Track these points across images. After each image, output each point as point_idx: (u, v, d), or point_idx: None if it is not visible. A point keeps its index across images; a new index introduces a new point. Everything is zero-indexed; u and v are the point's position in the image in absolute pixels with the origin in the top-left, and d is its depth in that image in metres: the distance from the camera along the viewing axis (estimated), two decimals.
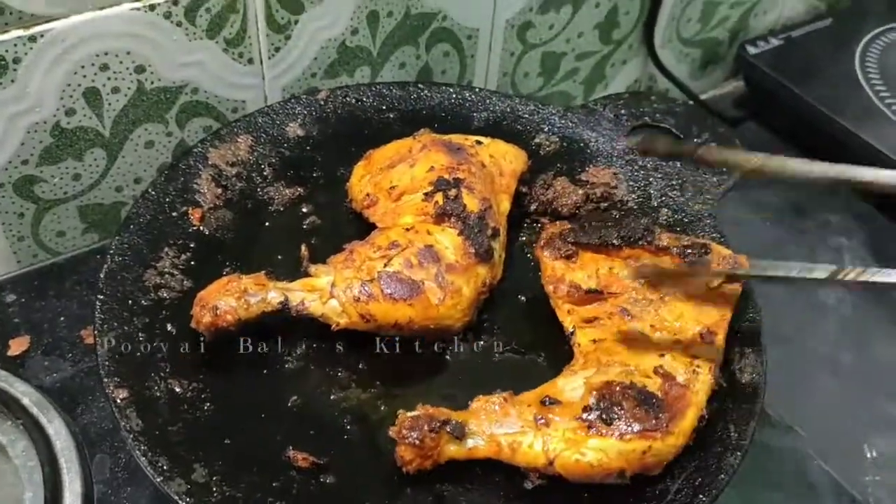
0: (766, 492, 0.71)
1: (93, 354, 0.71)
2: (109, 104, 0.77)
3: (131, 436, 0.55)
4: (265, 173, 0.76)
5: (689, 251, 0.64)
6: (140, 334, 0.62)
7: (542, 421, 0.56)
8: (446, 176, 0.67)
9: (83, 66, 0.74)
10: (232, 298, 0.60)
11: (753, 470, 0.71)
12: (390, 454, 0.57)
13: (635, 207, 0.76)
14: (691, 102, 1.06)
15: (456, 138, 0.73)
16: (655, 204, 0.76)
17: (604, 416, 0.56)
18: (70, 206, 0.82)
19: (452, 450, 0.56)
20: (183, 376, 0.60)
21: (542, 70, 1.06)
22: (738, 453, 0.59)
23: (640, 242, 0.65)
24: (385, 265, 0.62)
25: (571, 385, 0.59)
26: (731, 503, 0.68)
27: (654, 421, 0.55)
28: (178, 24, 0.76)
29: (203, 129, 0.84)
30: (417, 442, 0.55)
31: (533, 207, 0.75)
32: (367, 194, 0.70)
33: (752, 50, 1.16)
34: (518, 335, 0.67)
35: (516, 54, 1.02)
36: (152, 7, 0.74)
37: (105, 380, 0.58)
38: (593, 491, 0.57)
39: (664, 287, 0.63)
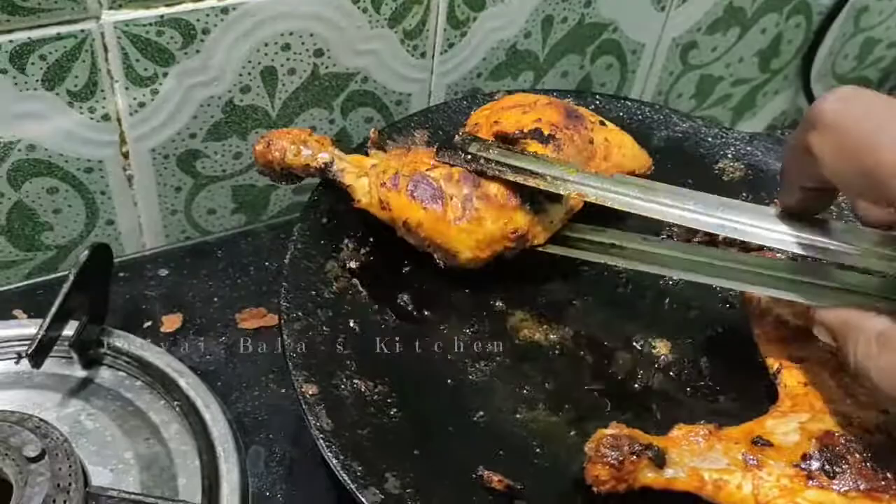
0: None
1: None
2: (283, 85, 0.75)
3: (322, 436, 0.52)
4: None
5: None
6: (324, 328, 0.59)
7: (754, 462, 0.52)
8: (546, 130, 0.64)
9: (266, 44, 0.71)
10: (288, 142, 0.64)
11: None
12: (585, 487, 0.53)
13: None
14: None
15: (582, 110, 0.71)
16: None
17: (826, 467, 0.51)
18: (225, 185, 0.80)
19: (650, 477, 0.52)
20: (368, 377, 0.57)
21: (696, 92, 1.02)
22: None
23: None
24: (427, 170, 0.62)
25: (783, 429, 0.55)
26: None
27: (882, 482, 0.51)
28: (364, 10, 0.74)
29: (364, 118, 0.82)
30: (616, 462, 0.51)
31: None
32: (476, 123, 0.69)
33: None
34: (708, 370, 0.63)
35: (675, 73, 0.98)
36: None
37: (294, 373, 0.54)
38: None
39: None
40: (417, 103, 0.83)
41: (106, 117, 0.69)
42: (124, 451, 0.62)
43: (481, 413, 0.58)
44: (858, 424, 0.54)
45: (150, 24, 0.66)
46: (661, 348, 0.64)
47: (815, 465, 0.52)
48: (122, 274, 0.74)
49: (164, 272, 0.76)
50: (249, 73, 0.73)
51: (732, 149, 0.77)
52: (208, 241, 0.80)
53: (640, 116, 0.79)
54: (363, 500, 0.49)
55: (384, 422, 0.55)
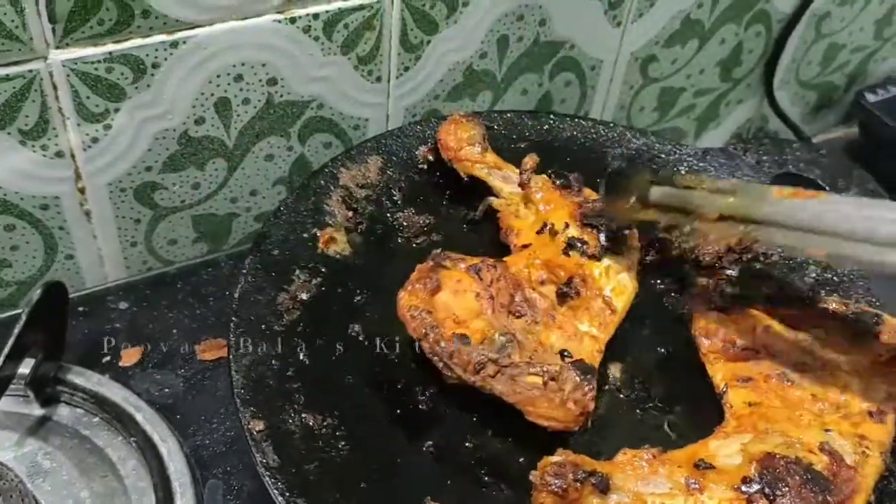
0: None
1: (207, 371, 0.70)
2: (238, 115, 0.75)
3: (269, 473, 0.52)
4: (395, 198, 0.73)
5: (858, 320, 0.60)
6: (273, 361, 0.59)
7: (696, 486, 0.53)
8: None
9: (219, 76, 0.72)
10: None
11: None
12: None
13: (779, 261, 0.72)
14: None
15: None
16: (801, 259, 0.72)
17: (766, 490, 0.52)
18: (185, 215, 0.80)
19: (594, 503, 0.53)
20: (317, 410, 0.57)
21: (658, 105, 1.02)
22: None
23: (805, 303, 0.61)
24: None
25: (726, 451, 0.55)
26: None
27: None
28: (316, 39, 0.74)
29: (323, 144, 0.82)
30: (560, 490, 0.52)
31: (673, 254, 0.71)
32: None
33: (870, 98, 1.12)
34: (658, 389, 0.63)
35: (636, 87, 0.99)
36: (293, 20, 0.72)
37: (241, 409, 0.55)
38: None
39: (828, 354, 0.59)
40: (375, 127, 0.83)
41: (59, 154, 0.70)
42: (80, 490, 0.62)
43: (430, 443, 0.58)
44: (801, 445, 0.54)
45: (99, 62, 0.66)
46: (613, 370, 0.64)
47: (754, 487, 0.52)
48: (81, 308, 0.75)
49: (123, 305, 0.76)
50: (203, 105, 0.73)
51: (686, 164, 0.78)
52: (169, 271, 0.80)
53: (593, 135, 0.80)
54: None
55: (332, 455, 0.55)
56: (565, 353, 0.59)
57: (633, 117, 1.01)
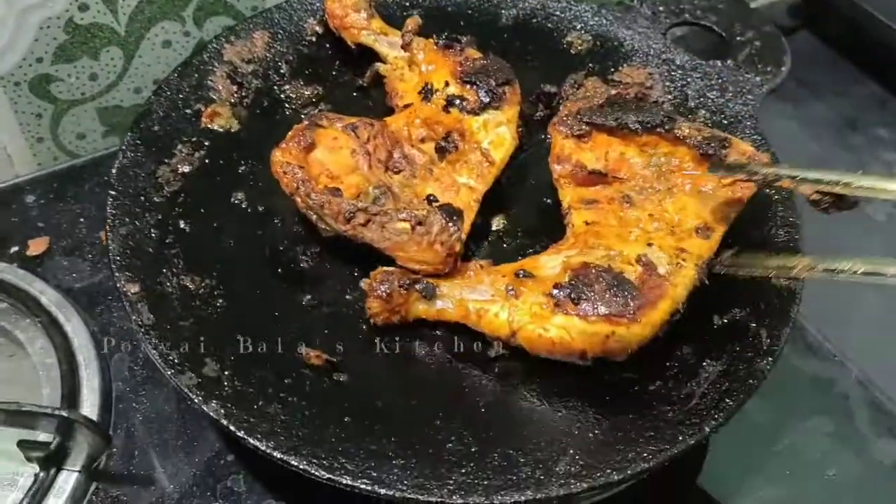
0: (806, 417, 0.68)
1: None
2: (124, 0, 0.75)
3: (142, 329, 0.54)
4: (282, 71, 0.73)
5: (708, 143, 0.60)
6: (153, 231, 0.60)
7: (513, 292, 0.55)
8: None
9: None
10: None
11: (791, 394, 0.69)
12: (405, 354, 0.55)
13: (671, 108, 0.72)
14: None
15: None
16: (693, 105, 0.72)
17: (573, 295, 0.53)
18: (88, 108, 0.80)
19: (421, 309, 0.57)
20: (196, 273, 0.59)
21: None
22: (770, 358, 0.56)
23: (658, 129, 0.61)
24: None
25: (552, 262, 0.57)
26: (765, 431, 0.66)
27: (621, 307, 0.52)
28: None
29: (222, 28, 0.81)
30: (385, 295, 0.55)
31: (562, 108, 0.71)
32: None
33: None
34: (541, 237, 0.64)
35: None
36: None
37: (116, 274, 0.56)
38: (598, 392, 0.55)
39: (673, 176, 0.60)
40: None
41: None
42: None
43: (310, 297, 0.59)
44: (621, 257, 0.55)
45: None
46: (496, 221, 0.65)
47: (563, 293, 0.54)
48: None
49: (30, 198, 0.77)
50: None
51: (580, 21, 0.77)
52: (76, 164, 0.81)
53: None
54: (179, 384, 0.52)
55: (209, 313, 0.57)
56: (432, 198, 0.60)
57: None
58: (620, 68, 0.74)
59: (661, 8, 0.78)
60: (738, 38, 0.76)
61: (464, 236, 0.59)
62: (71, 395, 0.63)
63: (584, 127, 0.62)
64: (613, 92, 0.71)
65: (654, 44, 0.76)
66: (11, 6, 0.70)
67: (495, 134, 0.65)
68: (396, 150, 0.62)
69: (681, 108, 0.72)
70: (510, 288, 0.55)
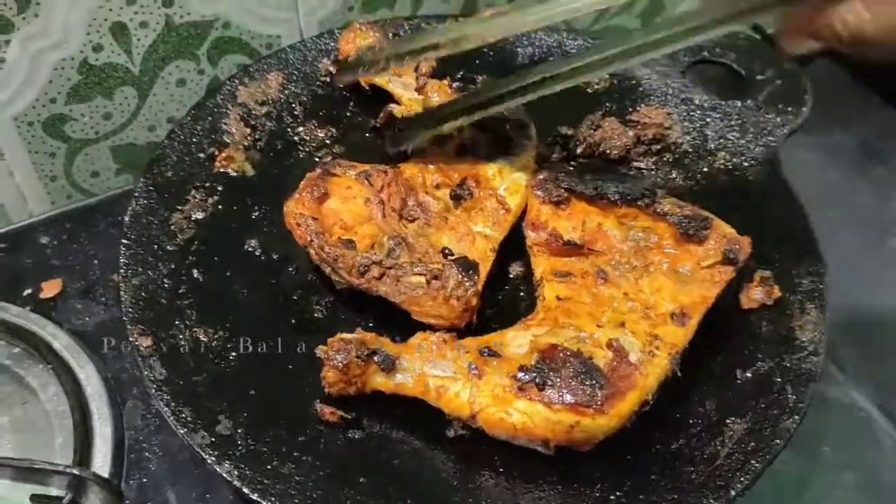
0: (835, 470, 0.66)
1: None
2: (138, 39, 0.74)
3: (155, 385, 0.53)
4: (296, 112, 0.72)
5: (689, 222, 0.58)
6: (166, 281, 0.60)
7: (476, 371, 0.53)
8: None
9: (108, 0, 0.70)
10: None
11: (814, 427, 0.67)
12: (419, 409, 0.54)
13: (690, 150, 0.71)
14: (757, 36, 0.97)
15: None
16: (712, 146, 0.71)
17: (538, 379, 0.51)
18: (102, 147, 0.80)
19: (379, 381, 0.54)
20: (209, 324, 0.58)
21: None
22: (796, 417, 0.55)
23: (639, 202, 0.60)
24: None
25: (520, 340, 0.55)
26: (788, 461, 0.64)
27: (588, 396, 0.50)
28: None
29: (237, 66, 0.81)
30: (341, 366, 0.53)
31: (579, 150, 0.70)
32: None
33: None
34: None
35: None
36: None
37: (129, 327, 0.56)
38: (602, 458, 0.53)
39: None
40: (290, 43, 0.82)
41: None
42: (0, 417, 0.64)
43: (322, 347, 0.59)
44: (591, 340, 0.53)
45: None
46: (514, 268, 0.64)
47: (528, 376, 0.51)
48: (2, 245, 0.76)
49: (45, 239, 0.77)
50: (98, 31, 0.72)
51: None
52: (90, 203, 0.80)
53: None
54: (192, 443, 0.51)
55: (222, 367, 0.56)
56: (447, 252, 0.59)
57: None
58: (638, 108, 0.73)
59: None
60: (759, 77, 0.74)
61: (480, 289, 0.57)
62: (83, 446, 0.62)
63: (562, 193, 0.61)
64: (631, 133, 0.71)
65: (673, 83, 0.75)
66: (26, 48, 0.70)
67: (511, 180, 0.64)
68: (411, 198, 0.62)
69: (700, 150, 0.71)
70: (473, 366, 0.53)
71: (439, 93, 0.68)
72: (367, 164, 0.62)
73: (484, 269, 0.59)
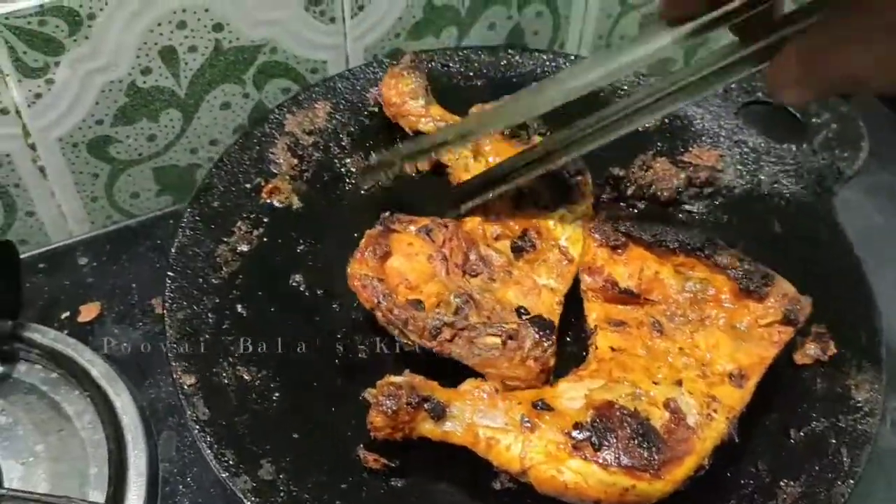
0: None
1: (164, 324, 0.70)
2: (186, 63, 0.74)
3: (198, 426, 0.53)
4: (343, 143, 0.71)
5: (749, 277, 0.57)
6: (210, 315, 0.59)
7: (529, 425, 0.51)
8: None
9: (160, 24, 0.70)
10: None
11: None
12: (465, 460, 0.53)
13: (743, 194, 0.69)
14: None
15: None
16: (766, 191, 0.69)
17: (594, 439, 0.50)
18: (145, 168, 0.80)
19: (427, 428, 0.53)
20: (253, 363, 0.57)
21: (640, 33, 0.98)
22: (851, 481, 0.53)
23: (698, 253, 0.58)
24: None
25: (572, 394, 0.53)
26: None
27: (645, 461, 0.49)
28: None
29: (281, 90, 0.80)
30: (390, 412, 0.51)
31: (630, 192, 0.68)
32: None
33: None
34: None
35: (613, 16, 0.94)
36: None
37: (173, 364, 0.55)
38: None
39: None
40: (336, 70, 0.81)
41: (4, 111, 0.69)
42: (35, 444, 0.63)
43: (368, 391, 0.57)
44: (647, 399, 0.52)
45: (31, 15, 0.65)
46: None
47: (584, 435, 0.50)
48: (41, 265, 0.75)
49: (83, 260, 0.76)
50: (147, 55, 0.72)
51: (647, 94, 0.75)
52: (131, 225, 0.80)
53: (554, 69, 0.77)
54: (234, 488, 0.50)
55: (265, 407, 0.55)
56: (522, 311, 0.58)
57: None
58: (690, 149, 0.72)
59: (733, 86, 0.75)
60: (814, 120, 0.73)
61: (556, 348, 0.56)
62: (118, 479, 0.61)
63: (620, 237, 0.60)
64: (683, 175, 0.69)
65: (726, 123, 0.73)
66: (75, 70, 0.69)
67: (572, 229, 0.63)
68: (472, 252, 0.60)
69: (753, 194, 0.69)
70: (526, 419, 0.51)
71: (490, 141, 0.66)
72: (426, 218, 0.61)
73: (555, 325, 0.58)
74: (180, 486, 0.63)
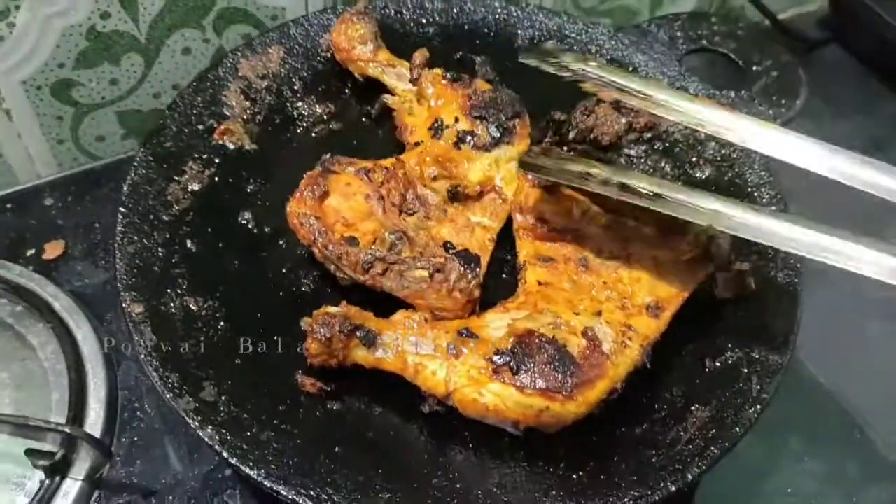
0: (798, 459, 0.68)
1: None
2: (145, 8, 0.76)
3: (144, 351, 0.56)
4: (296, 87, 0.74)
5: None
6: (160, 250, 0.62)
7: (454, 351, 0.55)
8: None
9: None
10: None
11: (783, 434, 0.69)
12: (397, 385, 0.56)
13: (681, 139, 0.72)
14: (766, 22, 0.97)
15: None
16: (703, 136, 0.72)
17: (513, 363, 0.53)
18: (108, 112, 0.82)
19: (360, 355, 0.56)
20: (199, 294, 0.60)
21: None
22: (758, 406, 0.56)
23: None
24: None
25: (497, 323, 0.56)
26: (756, 471, 0.67)
27: (559, 383, 0.52)
28: None
29: (242, 36, 0.82)
30: (325, 339, 0.54)
31: (571, 135, 0.71)
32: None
33: None
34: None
35: None
36: None
37: (122, 294, 0.58)
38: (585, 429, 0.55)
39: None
40: (293, 17, 0.83)
41: None
42: (0, 372, 0.67)
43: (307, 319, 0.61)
44: (567, 327, 0.55)
45: None
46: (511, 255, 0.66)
47: (503, 360, 0.53)
48: (9, 205, 0.78)
49: (49, 201, 0.79)
50: None
51: (596, 45, 0.77)
52: (96, 168, 0.82)
53: (504, 16, 0.78)
54: (177, 407, 0.54)
55: (210, 336, 0.59)
56: (449, 245, 0.61)
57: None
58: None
59: (678, 34, 0.77)
60: (756, 68, 0.75)
61: (482, 280, 0.59)
62: (77, 404, 0.65)
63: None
64: (624, 120, 0.72)
65: (669, 71, 0.75)
66: (35, 14, 0.71)
67: (507, 170, 0.65)
68: (409, 192, 0.63)
69: (691, 139, 0.72)
70: (451, 346, 0.55)
71: (433, 85, 0.68)
72: (366, 160, 0.63)
73: (484, 260, 0.61)
74: (137, 412, 0.66)
